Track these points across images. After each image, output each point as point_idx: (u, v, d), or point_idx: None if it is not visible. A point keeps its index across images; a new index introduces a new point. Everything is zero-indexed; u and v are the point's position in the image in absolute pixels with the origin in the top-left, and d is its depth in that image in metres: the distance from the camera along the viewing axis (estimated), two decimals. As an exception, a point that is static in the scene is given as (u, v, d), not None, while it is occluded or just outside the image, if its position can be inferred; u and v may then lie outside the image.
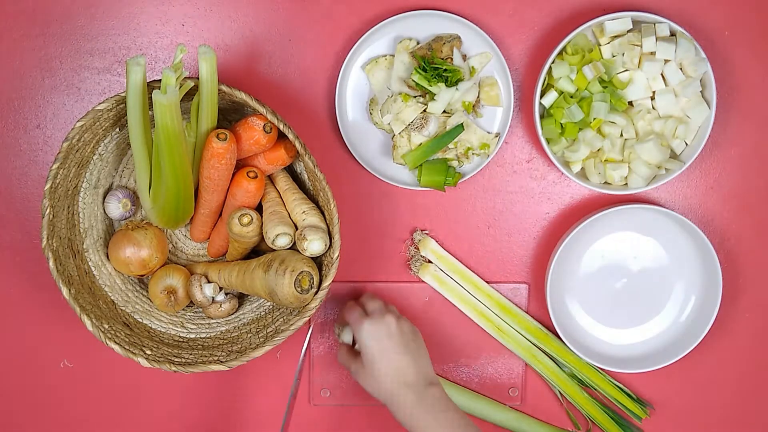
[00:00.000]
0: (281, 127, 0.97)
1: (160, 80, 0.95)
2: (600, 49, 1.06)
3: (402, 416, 0.98)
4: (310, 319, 1.10)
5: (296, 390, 1.09)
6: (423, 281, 1.14)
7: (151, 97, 0.95)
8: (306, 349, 1.11)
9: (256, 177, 1.02)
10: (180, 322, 1.08)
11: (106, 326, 1.00)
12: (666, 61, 1.04)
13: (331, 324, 1.14)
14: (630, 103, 1.07)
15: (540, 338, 1.13)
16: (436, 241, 1.13)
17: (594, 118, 1.05)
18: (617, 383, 1.14)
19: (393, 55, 1.08)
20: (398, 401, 0.98)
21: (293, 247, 1.03)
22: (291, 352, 1.15)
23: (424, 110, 1.05)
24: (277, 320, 1.05)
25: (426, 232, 1.12)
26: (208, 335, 1.08)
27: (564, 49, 1.05)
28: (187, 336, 1.07)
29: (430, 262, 1.13)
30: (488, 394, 1.16)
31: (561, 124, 1.06)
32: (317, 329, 1.15)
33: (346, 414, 1.17)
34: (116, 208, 1.07)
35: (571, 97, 1.05)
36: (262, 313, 1.08)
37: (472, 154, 1.08)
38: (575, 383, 1.14)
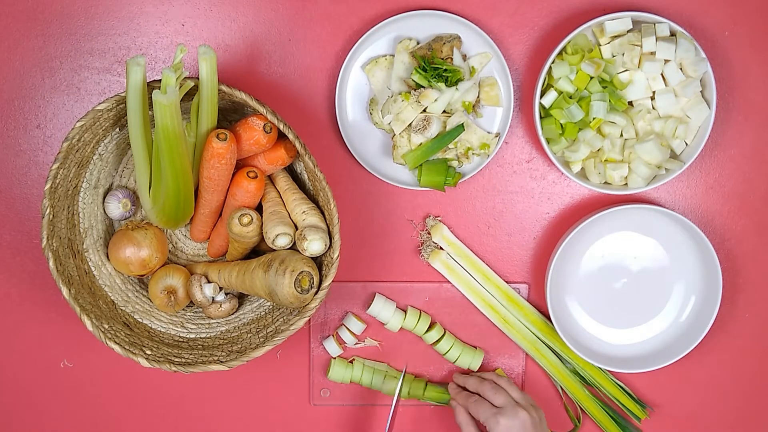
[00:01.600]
0: (281, 127, 0.97)
1: (160, 80, 0.95)
2: (600, 49, 1.06)
3: None
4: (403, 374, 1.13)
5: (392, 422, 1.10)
6: (422, 281, 1.14)
7: (151, 97, 0.95)
8: (397, 399, 1.11)
9: (256, 177, 1.02)
10: (180, 322, 1.08)
11: (106, 326, 1.00)
12: (666, 61, 1.04)
13: (332, 324, 1.14)
14: (630, 103, 1.07)
15: (544, 332, 1.13)
16: (449, 228, 1.13)
17: (594, 118, 1.05)
18: (619, 382, 1.14)
19: (393, 55, 1.08)
20: None
21: (293, 247, 1.03)
22: (291, 352, 1.15)
23: (425, 110, 1.05)
24: (277, 320, 1.05)
25: (439, 218, 1.12)
26: (208, 335, 1.08)
27: (564, 49, 1.05)
28: (187, 336, 1.07)
29: (440, 249, 1.13)
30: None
31: (561, 124, 1.06)
32: (317, 329, 1.15)
33: (346, 414, 1.17)
34: (116, 208, 1.07)
35: (571, 97, 1.05)
36: (262, 313, 1.08)
37: (472, 154, 1.08)
38: (577, 379, 1.14)
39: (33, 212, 1.12)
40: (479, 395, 1.07)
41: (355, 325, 1.13)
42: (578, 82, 1.04)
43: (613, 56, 1.06)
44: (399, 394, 1.11)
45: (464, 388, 1.10)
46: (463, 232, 1.13)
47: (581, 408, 1.15)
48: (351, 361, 1.14)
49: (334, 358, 1.14)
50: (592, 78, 1.04)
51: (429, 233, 1.12)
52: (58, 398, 1.15)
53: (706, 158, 1.12)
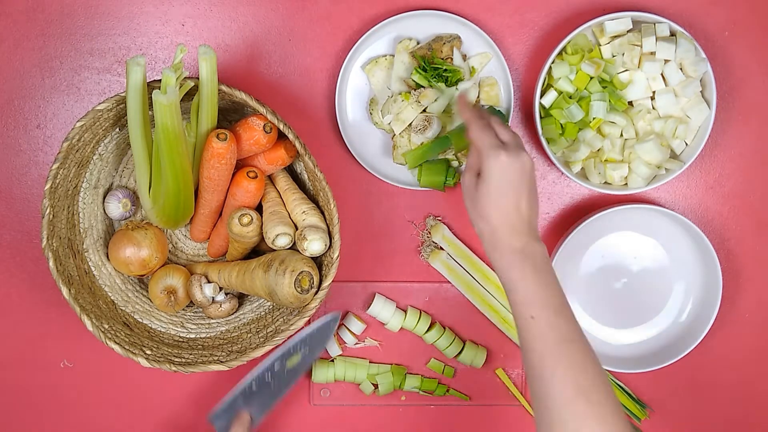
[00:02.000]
0: (281, 127, 0.97)
1: (160, 80, 0.95)
2: (600, 49, 1.06)
3: (500, 262, 0.91)
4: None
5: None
6: (422, 281, 1.14)
7: (151, 97, 0.95)
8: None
9: (256, 177, 1.02)
10: (180, 322, 1.08)
11: (106, 326, 1.00)
12: (666, 61, 1.04)
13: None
14: (630, 103, 1.07)
15: None
16: (449, 228, 1.13)
17: (594, 118, 1.05)
18: (618, 382, 1.14)
19: (393, 55, 1.08)
20: (501, 245, 0.90)
21: (293, 247, 1.03)
22: (291, 352, 1.15)
23: (425, 110, 1.05)
24: (277, 320, 1.05)
25: (439, 218, 1.12)
26: (208, 335, 1.08)
27: (564, 49, 1.05)
28: (187, 336, 1.07)
29: (441, 249, 1.13)
30: (488, 393, 1.16)
31: (561, 124, 1.06)
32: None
33: (345, 414, 1.17)
34: (116, 208, 1.07)
35: (571, 97, 1.05)
36: (262, 313, 1.08)
37: (472, 154, 1.08)
38: None
39: (33, 212, 1.12)
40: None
41: (355, 325, 1.13)
42: (578, 82, 1.04)
43: (613, 56, 1.06)
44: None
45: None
46: (463, 232, 1.13)
47: None
48: (332, 360, 1.14)
49: (333, 360, 1.14)
50: (592, 78, 1.04)
51: (429, 233, 1.12)
52: (58, 398, 1.15)
53: (706, 158, 1.12)
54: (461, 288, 1.13)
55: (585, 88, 1.04)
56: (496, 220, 0.90)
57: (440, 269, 1.13)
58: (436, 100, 1.04)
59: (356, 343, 1.15)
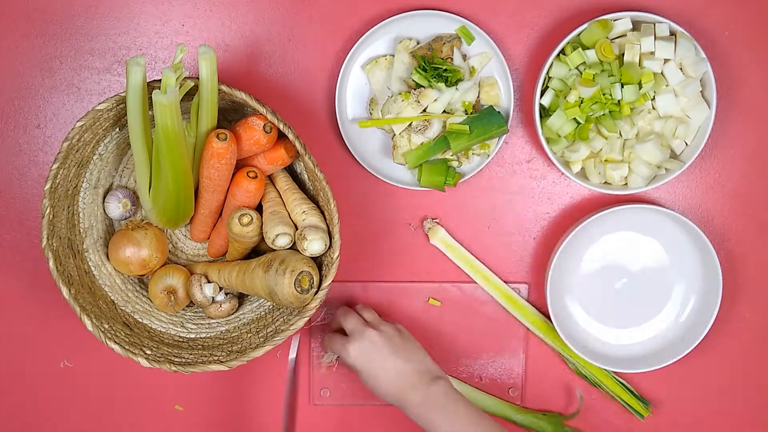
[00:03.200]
0: (281, 127, 0.97)
1: (160, 80, 0.95)
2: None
3: (414, 418, 0.99)
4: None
5: (291, 392, 1.09)
6: (422, 281, 1.14)
7: (151, 97, 0.95)
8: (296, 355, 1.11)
9: (256, 177, 1.02)
10: (180, 322, 1.08)
11: (106, 326, 1.00)
12: (666, 60, 1.04)
13: (332, 324, 1.14)
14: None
15: (545, 332, 1.13)
16: (446, 231, 1.13)
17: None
18: (621, 380, 1.14)
19: (393, 55, 1.08)
20: (406, 405, 0.99)
21: (293, 247, 1.03)
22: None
23: (425, 110, 1.05)
24: (277, 320, 1.05)
25: (436, 220, 1.12)
26: (208, 335, 1.08)
27: (563, 50, 1.05)
28: (187, 336, 1.07)
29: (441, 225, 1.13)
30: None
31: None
32: (317, 329, 1.15)
33: (346, 414, 1.17)
34: (116, 208, 1.07)
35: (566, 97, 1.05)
36: (262, 313, 1.08)
37: (472, 154, 1.08)
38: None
39: (33, 212, 1.12)
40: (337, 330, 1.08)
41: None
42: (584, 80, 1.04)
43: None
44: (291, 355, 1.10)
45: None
46: (462, 232, 1.13)
47: (597, 384, 1.14)
48: None
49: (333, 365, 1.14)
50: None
51: (427, 236, 1.12)
52: (58, 398, 1.15)
53: (706, 158, 1.12)
54: (462, 264, 1.12)
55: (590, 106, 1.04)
56: (389, 392, 1.00)
57: (439, 246, 1.12)
58: (436, 100, 1.04)
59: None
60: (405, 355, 1.01)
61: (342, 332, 1.07)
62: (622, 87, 1.03)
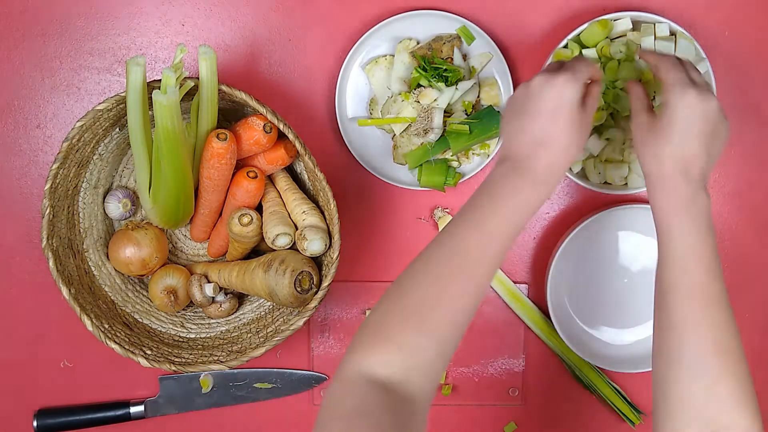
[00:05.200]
0: (281, 127, 0.97)
1: (160, 80, 0.95)
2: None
3: (661, 199, 0.85)
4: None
5: None
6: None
7: (151, 97, 0.95)
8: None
9: (256, 177, 1.02)
10: (180, 322, 1.08)
11: (106, 326, 1.00)
12: (666, 61, 1.04)
13: (331, 324, 1.14)
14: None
15: (546, 333, 1.13)
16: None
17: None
18: (615, 386, 1.14)
19: (393, 55, 1.08)
20: (669, 184, 0.85)
21: (293, 247, 1.03)
22: (292, 352, 1.15)
23: (426, 110, 1.05)
24: (277, 320, 1.05)
25: (447, 210, 1.11)
26: (208, 335, 1.08)
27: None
28: (187, 336, 1.07)
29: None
30: (488, 393, 1.16)
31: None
32: (317, 329, 1.15)
33: (346, 414, 1.17)
34: (116, 208, 1.07)
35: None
36: (262, 313, 1.08)
37: (472, 154, 1.08)
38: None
39: (33, 212, 1.12)
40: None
41: None
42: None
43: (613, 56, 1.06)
44: None
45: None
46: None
47: (592, 389, 1.14)
48: None
49: None
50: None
51: (436, 226, 1.12)
52: (58, 398, 1.15)
53: (706, 158, 1.12)
54: None
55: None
56: (669, 159, 0.84)
57: None
58: (435, 99, 1.04)
59: None
60: (712, 150, 0.86)
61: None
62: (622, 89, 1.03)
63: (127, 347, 0.98)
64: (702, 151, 0.84)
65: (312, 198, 1.06)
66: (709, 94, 0.85)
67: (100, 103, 0.97)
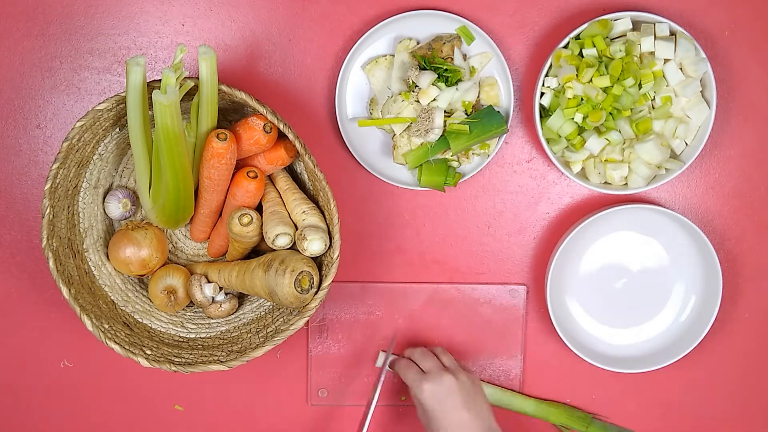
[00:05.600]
0: (281, 127, 0.97)
1: (160, 80, 0.95)
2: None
3: None
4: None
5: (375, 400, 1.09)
6: (422, 282, 1.14)
7: (151, 97, 0.95)
8: (378, 392, 1.09)
9: (256, 177, 1.02)
10: (180, 322, 1.08)
11: (106, 326, 1.00)
12: (666, 60, 1.04)
13: (331, 324, 1.14)
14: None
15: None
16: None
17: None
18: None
19: (393, 55, 1.08)
20: None
21: (293, 247, 1.03)
22: (291, 352, 1.15)
23: (426, 111, 1.05)
24: (277, 320, 1.05)
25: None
26: (208, 335, 1.08)
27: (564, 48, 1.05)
28: (187, 336, 1.07)
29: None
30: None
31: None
32: (315, 330, 1.15)
33: (343, 414, 1.17)
34: (116, 208, 1.07)
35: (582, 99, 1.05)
36: (262, 313, 1.08)
37: (472, 154, 1.08)
38: None
39: (33, 212, 1.12)
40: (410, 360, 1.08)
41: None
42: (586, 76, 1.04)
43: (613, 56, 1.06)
44: (385, 366, 1.10)
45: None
46: (463, 231, 1.13)
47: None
48: None
49: None
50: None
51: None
52: (58, 398, 1.15)
53: (706, 158, 1.12)
54: None
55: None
56: None
57: None
58: (434, 99, 1.04)
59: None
60: (475, 411, 1.01)
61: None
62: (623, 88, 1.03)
63: (127, 347, 0.98)
64: (465, 419, 1.00)
65: (312, 198, 1.06)
66: (439, 375, 1.01)
67: (100, 103, 0.97)
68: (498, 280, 1.15)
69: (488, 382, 1.16)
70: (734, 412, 1.17)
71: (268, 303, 1.09)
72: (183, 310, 1.10)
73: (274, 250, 1.03)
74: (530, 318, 1.15)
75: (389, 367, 1.11)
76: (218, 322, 1.09)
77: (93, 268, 1.06)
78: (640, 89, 1.03)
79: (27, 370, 1.15)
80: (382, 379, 1.09)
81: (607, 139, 1.05)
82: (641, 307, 1.14)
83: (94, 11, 1.08)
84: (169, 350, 1.02)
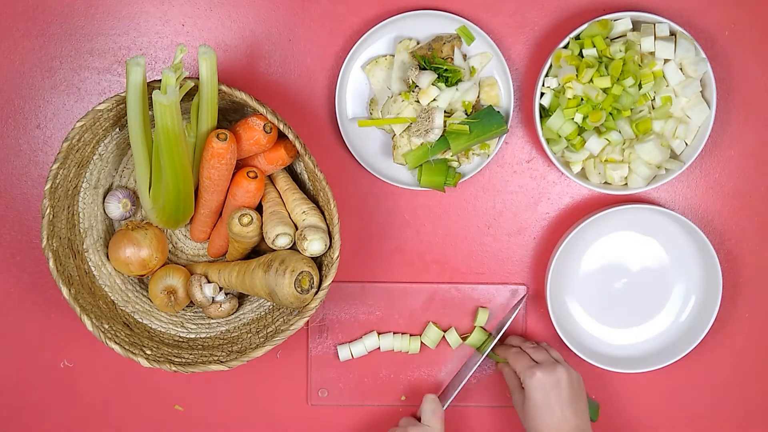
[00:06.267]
0: (281, 127, 0.97)
1: (160, 80, 0.95)
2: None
3: None
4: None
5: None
6: (422, 282, 1.14)
7: (151, 97, 0.95)
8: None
9: (256, 177, 1.02)
10: (180, 322, 1.08)
11: (106, 326, 1.00)
12: (666, 60, 1.04)
13: (331, 324, 1.14)
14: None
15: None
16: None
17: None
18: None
19: (393, 55, 1.08)
20: None
21: (293, 247, 1.03)
22: (289, 352, 1.15)
23: (426, 111, 1.05)
24: (277, 320, 1.05)
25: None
26: (208, 335, 1.08)
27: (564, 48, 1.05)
28: (187, 336, 1.07)
29: None
30: (488, 393, 1.16)
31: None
32: (315, 330, 1.15)
33: (343, 414, 1.17)
34: (116, 208, 1.07)
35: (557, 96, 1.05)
36: (262, 313, 1.08)
37: (472, 154, 1.08)
38: None
39: (33, 212, 1.12)
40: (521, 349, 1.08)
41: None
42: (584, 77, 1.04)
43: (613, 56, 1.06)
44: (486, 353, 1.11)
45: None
46: (463, 231, 1.13)
47: None
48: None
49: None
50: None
51: None
52: (58, 398, 1.15)
53: (706, 158, 1.12)
54: None
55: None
56: (546, 430, 1.01)
57: None
58: (434, 99, 1.04)
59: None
60: (575, 409, 1.02)
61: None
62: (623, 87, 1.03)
63: (127, 347, 0.98)
64: (568, 414, 1.01)
65: (312, 198, 1.06)
66: (553, 367, 1.03)
67: (100, 103, 0.97)
68: (498, 280, 1.15)
69: (480, 391, 1.16)
70: (734, 412, 1.17)
71: (268, 303, 1.09)
72: (183, 310, 1.10)
73: (274, 250, 1.03)
74: (530, 318, 1.15)
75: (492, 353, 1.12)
76: (218, 322, 1.09)
77: (93, 269, 1.06)
78: (640, 89, 1.03)
79: (27, 370, 1.15)
80: (479, 362, 1.10)
81: (607, 139, 1.05)
82: (641, 307, 1.14)
83: (94, 11, 1.08)
84: (169, 350, 1.03)
